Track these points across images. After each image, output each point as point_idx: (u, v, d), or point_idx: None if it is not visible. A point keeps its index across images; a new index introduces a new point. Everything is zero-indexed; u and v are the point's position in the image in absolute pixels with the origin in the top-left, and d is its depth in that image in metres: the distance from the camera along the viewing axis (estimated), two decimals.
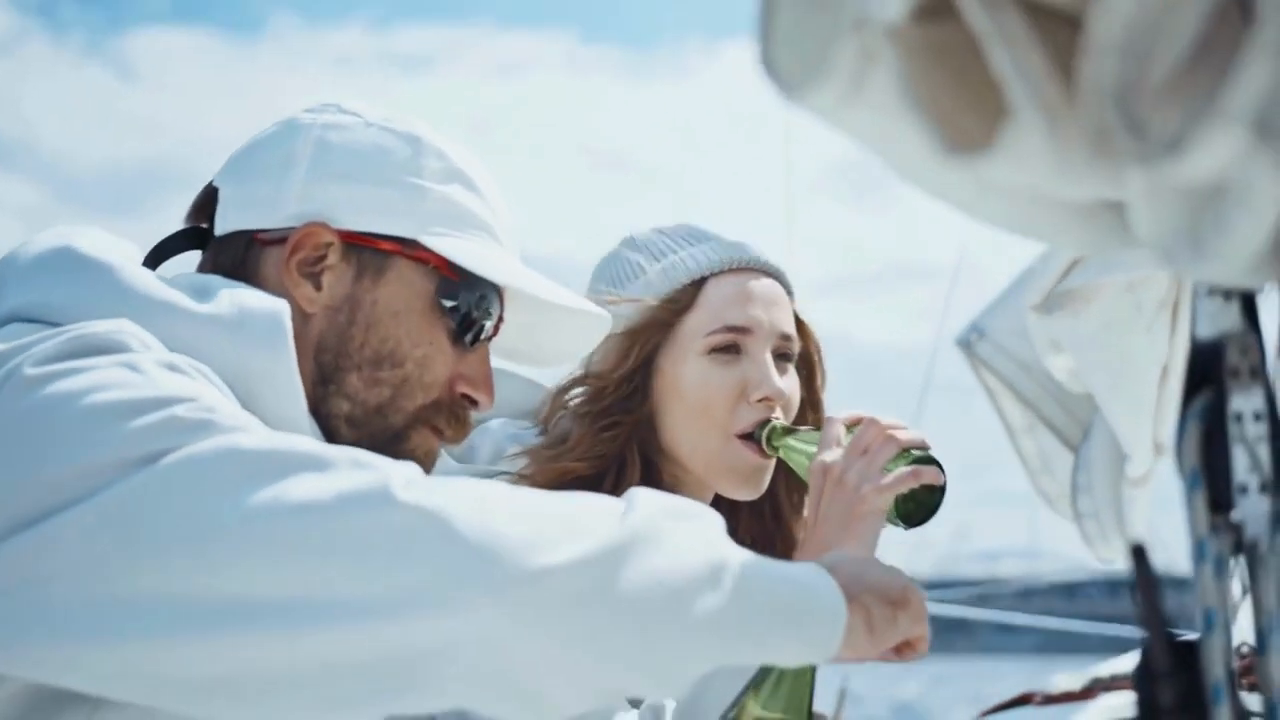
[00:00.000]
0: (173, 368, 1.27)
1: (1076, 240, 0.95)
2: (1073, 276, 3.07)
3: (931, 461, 1.77)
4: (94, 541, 1.14)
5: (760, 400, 1.92)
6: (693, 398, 1.94)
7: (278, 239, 1.51)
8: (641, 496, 1.23)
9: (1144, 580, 0.94)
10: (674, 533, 1.21)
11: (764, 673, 1.49)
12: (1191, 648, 0.94)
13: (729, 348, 1.94)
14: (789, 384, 1.97)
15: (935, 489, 1.78)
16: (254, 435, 1.20)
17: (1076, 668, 3.25)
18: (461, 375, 1.54)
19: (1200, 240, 0.78)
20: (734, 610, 1.21)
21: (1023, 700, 3.32)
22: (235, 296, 1.40)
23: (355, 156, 1.53)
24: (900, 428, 1.79)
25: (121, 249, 1.44)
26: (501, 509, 1.16)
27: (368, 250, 1.51)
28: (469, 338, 1.55)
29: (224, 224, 1.54)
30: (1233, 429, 0.96)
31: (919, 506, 1.79)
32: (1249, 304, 1.00)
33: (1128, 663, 3.32)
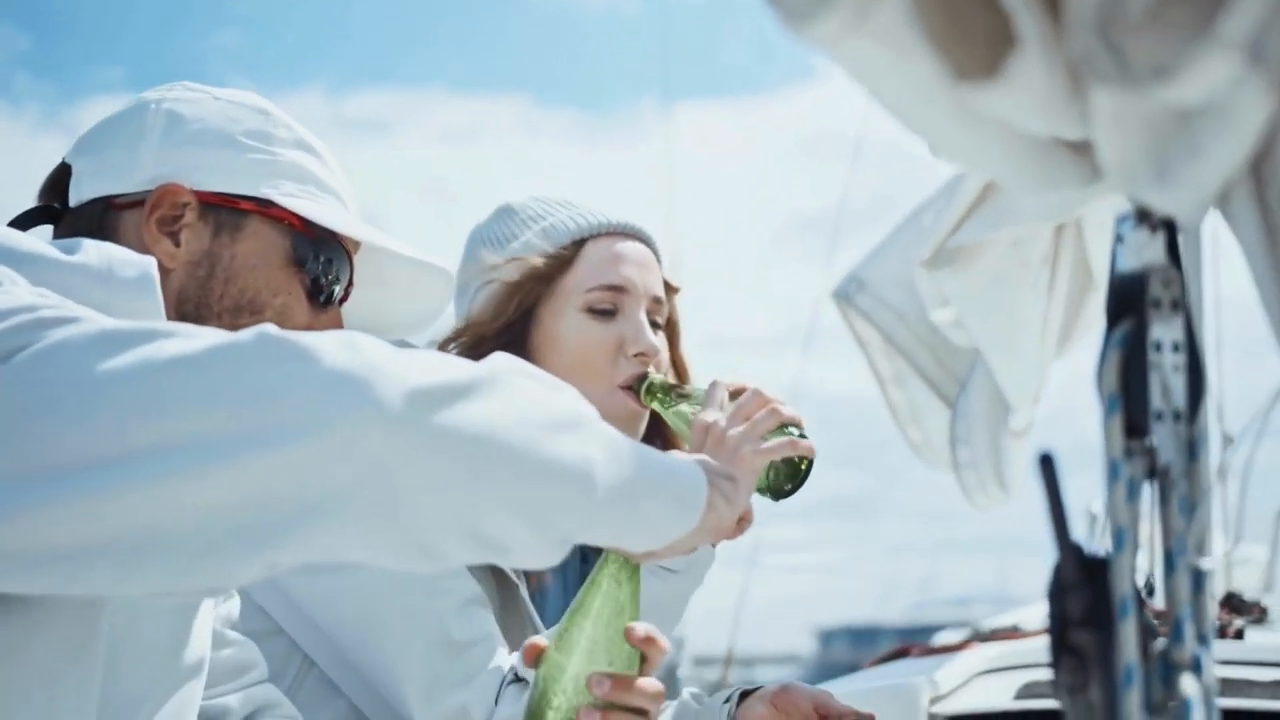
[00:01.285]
0: (41, 295, 1.26)
1: (1038, 178, 0.97)
2: (962, 232, 3.13)
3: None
4: None
5: (636, 355, 2.03)
6: (572, 351, 2.03)
7: (134, 202, 1.56)
8: (505, 356, 1.26)
9: (1052, 493, 0.97)
10: (539, 383, 1.25)
11: (566, 624, 1.49)
12: (1101, 564, 0.97)
13: (606, 305, 2.03)
14: (660, 343, 2.07)
15: (805, 464, 1.84)
16: (121, 320, 1.21)
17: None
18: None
19: (1166, 167, 0.81)
20: (603, 457, 1.23)
21: (902, 653, 3.38)
22: (102, 249, 1.42)
23: (207, 124, 1.59)
24: (781, 403, 1.83)
25: None
26: (370, 347, 1.17)
27: (224, 209, 1.57)
28: (323, 296, 1.61)
29: (78, 195, 1.58)
30: (1152, 357, 1.00)
31: (788, 479, 1.86)
32: (1171, 239, 1.04)
33: (1009, 618, 3.40)
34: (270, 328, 1.17)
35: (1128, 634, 0.95)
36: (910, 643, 3.38)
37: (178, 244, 1.54)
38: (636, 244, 2.09)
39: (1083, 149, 0.99)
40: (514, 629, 1.94)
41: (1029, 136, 0.94)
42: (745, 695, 1.98)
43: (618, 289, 2.04)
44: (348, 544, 1.15)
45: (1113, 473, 0.98)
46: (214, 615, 1.61)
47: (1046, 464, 0.96)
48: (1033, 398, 3.27)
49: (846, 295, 3.90)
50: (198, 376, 1.13)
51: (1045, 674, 2.93)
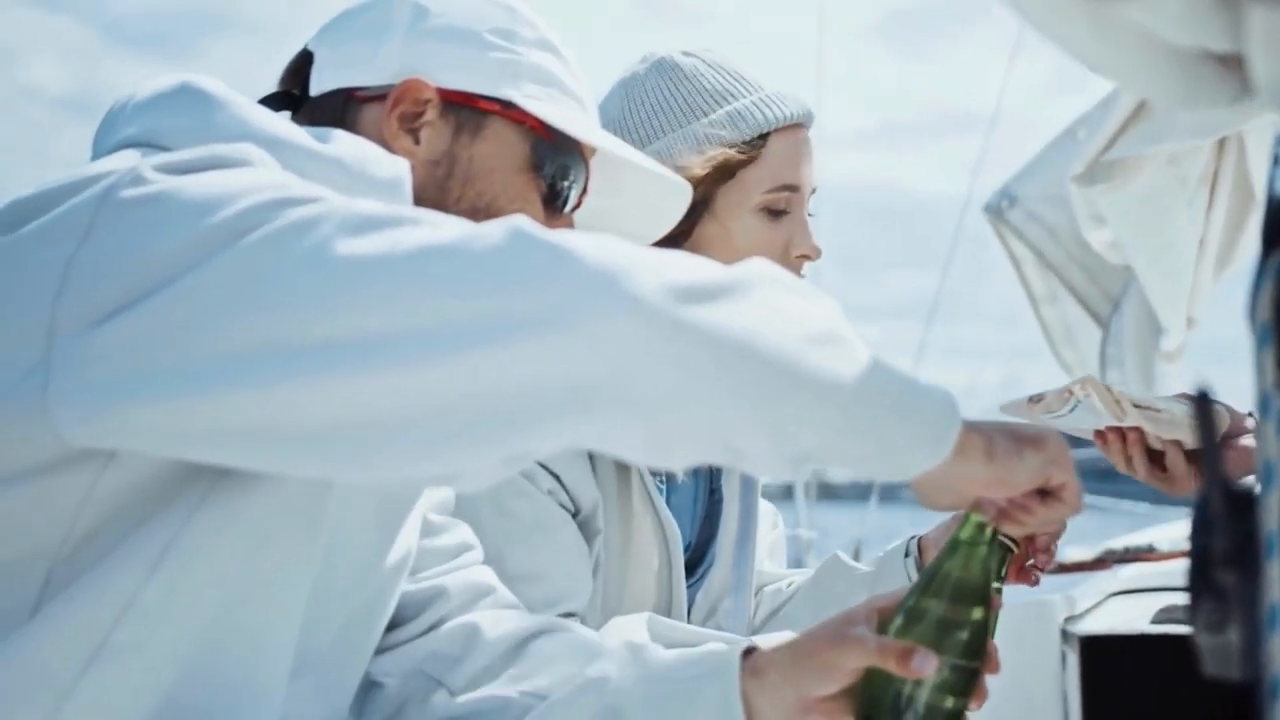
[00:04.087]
0: (287, 176, 1.27)
1: (1184, 92, 0.93)
2: (1117, 148, 3.04)
3: None
4: (210, 299, 1.15)
5: (799, 256, 2.02)
6: (742, 250, 1.99)
7: (376, 96, 1.55)
8: (763, 262, 1.22)
9: (1206, 427, 0.93)
10: (796, 293, 1.20)
11: (930, 571, 1.37)
12: (1249, 500, 0.94)
13: (780, 205, 2.01)
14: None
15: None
16: (370, 202, 1.21)
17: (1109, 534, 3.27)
18: None
19: None
20: (856, 375, 1.18)
21: None
22: (358, 144, 1.41)
23: (453, 18, 1.57)
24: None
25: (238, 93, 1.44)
26: (621, 243, 1.15)
27: (465, 109, 1.55)
28: (559, 203, 1.60)
29: (320, 85, 1.57)
30: None
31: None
32: None
33: (1144, 537, 3.34)
34: (520, 219, 1.17)
35: (1274, 574, 0.92)
36: None
37: (418, 141, 1.54)
38: (806, 133, 2.06)
39: (1232, 62, 0.94)
40: (630, 514, 1.94)
41: (1176, 49, 0.90)
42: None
43: (793, 188, 2.02)
44: (593, 436, 1.15)
45: (1263, 406, 0.94)
46: (426, 504, 1.63)
47: (1203, 399, 0.92)
48: (1185, 319, 3.18)
49: (998, 210, 3.84)
50: (450, 262, 1.13)
51: (1183, 598, 2.89)
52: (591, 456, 1.92)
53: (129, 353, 1.16)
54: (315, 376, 1.12)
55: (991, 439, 1.28)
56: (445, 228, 1.16)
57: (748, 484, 2.13)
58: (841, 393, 1.17)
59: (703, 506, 2.10)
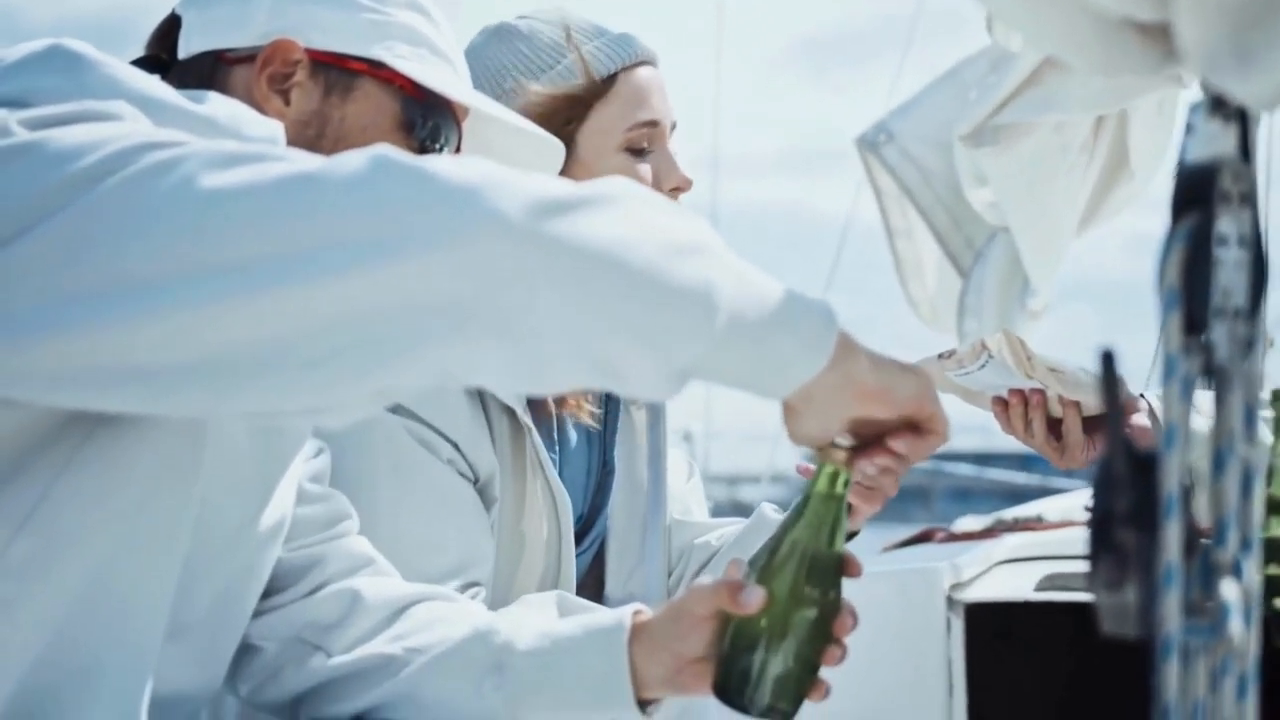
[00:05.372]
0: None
1: (1106, 58, 0.94)
2: (1006, 112, 3.07)
3: None
4: (73, 240, 1.12)
5: (671, 190, 2.01)
6: None
7: (245, 57, 1.53)
8: (624, 179, 1.21)
9: (1109, 387, 0.95)
10: (660, 207, 1.19)
11: (778, 536, 1.40)
12: (1150, 461, 0.95)
13: (643, 143, 2.00)
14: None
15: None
16: (234, 143, 1.19)
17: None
18: None
19: (1247, 55, 0.78)
20: (727, 284, 1.16)
21: (924, 537, 3.39)
22: (231, 105, 1.39)
23: None
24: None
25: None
26: (485, 163, 1.14)
27: (335, 69, 1.55)
28: None
29: (188, 48, 1.55)
30: (1216, 253, 0.97)
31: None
32: (1244, 131, 1.00)
33: (1032, 508, 3.39)
34: (384, 146, 1.15)
35: (1171, 533, 0.93)
36: (933, 527, 3.39)
37: (288, 102, 1.53)
38: (656, 70, 2.05)
39: (1154, 32, 0.95)
40: (524, 483, 1.93)
41: (1098, 14, 0.90)
42: None
43: (653, 124, 2.01)
44: (462, 363, 1.13)
45: (1169, 369, 0.96)
46: (301, 472, 1.61)
47: (1108, 360, 0.93)
48: (1055, 280, 3.25)
49: (873, 144, 3.81)
50: (311, 190, 1.12)
51: (1067, 566, 2.95)
52: (490, 426, 1.90)
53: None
54: (176, 308, 1.10)
55: (871, 352, 1.27)
56: (310, 159, 1.15)
57: (656, 450, 2.13)
58: (715, 301, 1.15)
59: (595, 477, 2.08)
